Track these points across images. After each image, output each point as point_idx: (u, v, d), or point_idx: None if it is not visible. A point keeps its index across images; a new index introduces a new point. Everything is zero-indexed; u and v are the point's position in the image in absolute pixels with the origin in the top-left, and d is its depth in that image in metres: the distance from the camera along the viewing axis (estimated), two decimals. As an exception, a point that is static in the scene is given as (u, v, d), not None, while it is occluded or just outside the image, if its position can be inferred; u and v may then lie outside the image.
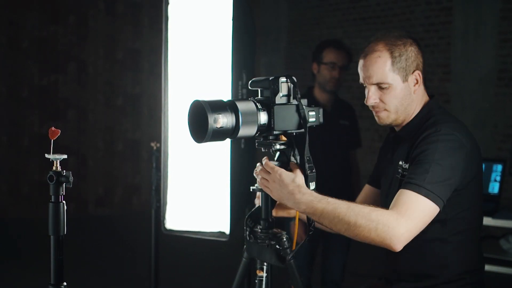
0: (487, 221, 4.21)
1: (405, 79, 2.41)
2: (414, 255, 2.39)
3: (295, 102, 2.24)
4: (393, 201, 2.20)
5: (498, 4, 6.84)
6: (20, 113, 8.81)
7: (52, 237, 1.95)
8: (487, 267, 4.08)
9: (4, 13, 8.67)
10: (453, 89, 7.29)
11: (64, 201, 1.96)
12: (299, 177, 2.19)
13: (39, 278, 5.79)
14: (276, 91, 2.22)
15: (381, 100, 2.44)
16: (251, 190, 2.40)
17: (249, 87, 2.32)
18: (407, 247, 2.18)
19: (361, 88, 2.52)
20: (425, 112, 2.48)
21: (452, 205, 2.31)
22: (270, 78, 2.24)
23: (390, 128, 2.65)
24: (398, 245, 2.10)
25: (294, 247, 2.37)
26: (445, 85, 7.39)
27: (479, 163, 2.43)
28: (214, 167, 3.20)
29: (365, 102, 2.48)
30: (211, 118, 2.03)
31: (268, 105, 2.21)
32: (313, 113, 2.28)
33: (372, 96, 2.44)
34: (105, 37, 9.27)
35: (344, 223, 2.12)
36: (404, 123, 2.50)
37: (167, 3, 3.40)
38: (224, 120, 2.07)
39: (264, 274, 2.38)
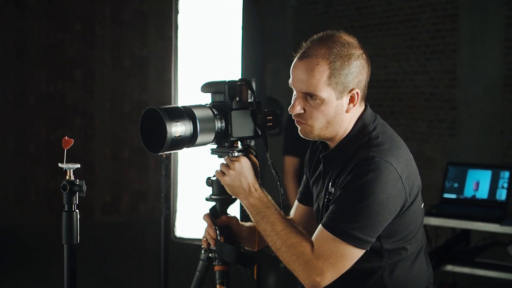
0: (495, 227, 4.23)
1: (340, 97, 2.10)
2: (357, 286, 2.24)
3: (251, 107, 2.18)
4: (314, 237, 2.05)
5: (504, 11, 6.85)
6: (27, 121, 8.82)
7: (65, 246, 1.96)
8: (495, 274, 4.11)
9: (11, 21, 8.70)
10: (459, 95, 7.30)
11: (77, 210, 1.98)
12: (255, 174, 2.18)
13: (48, 286, 5.82)
14: (233, 96, 2.14)
15: (306, 112, 2.12)
16: (205, 199, 2.35)
17: (201, 91, 2.24)
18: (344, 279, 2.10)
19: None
20: (359, 128, 2.18)
21: (387, 236, 2.12)
22: (226, 81, 2.17)
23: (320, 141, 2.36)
24: None
25: (256, 248, 2.37)
26: (451, 92, 7.39)
27: (417, 185, 2.16)
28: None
29: (288, 109, 2.16)
30: (170, 127, 1.94)
31: (224, 110, 2.13)
32: (271, 117, 2.23)
33: (298, 106, 2.12)
34: (111, 45, 9.29)
35: (271, 240, 2.08)
36: (336, 142, 2.20)
37: (177, 12, 3.41)
38: (182, 129, 1.98)
39: None
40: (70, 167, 1.96)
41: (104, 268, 6.64)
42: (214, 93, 2.20)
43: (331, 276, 2.00)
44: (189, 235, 3.28)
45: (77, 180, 1.96)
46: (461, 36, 7.28)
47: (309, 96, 2.10)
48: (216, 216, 2.36)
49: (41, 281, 6.05)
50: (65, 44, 8.99)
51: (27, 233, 8.27)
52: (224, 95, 2.16)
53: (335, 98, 2.10)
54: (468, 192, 4.56)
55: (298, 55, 2.15)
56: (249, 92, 2.19)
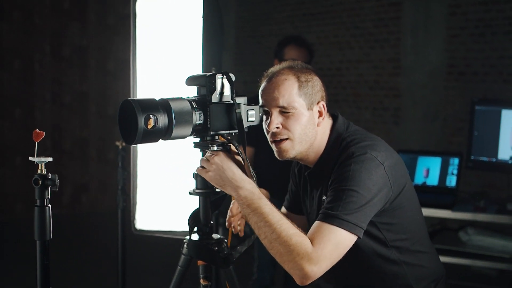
0: (446, 214, 4.28)
1: (310, 107, 2.27)
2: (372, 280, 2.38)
3: (230, 101, 2.17)
4: (309, 232, 2.09)
5: (446, 0, 6.95)
6: (-36, 112, 8.62)
7: (38, 242, 1.92)
8: (447, 259, 4.16)
9: None
10: (403, 83, 7.38)
11: (50, 205, 1.93)
12: (239, 165, 2.18)
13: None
14: (213, 89, 2.13)
15: (284, 127, 2.27)
16: (188, 193, 2.31)
17: (185, 84, 2.23)
18: (359, 270, 2.31)
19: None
20: (334, 138, 2.35)
21: (387, 228, 2.27)
22: (207, 75, 2.16)
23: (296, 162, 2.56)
24: (304, 281, 2.03)
25: (229, 244, 2.35)
26: (395, 80, 7.47)
27: (403, 175, 2.32)
28: (183, 165, 3.17)
29: (266, 128, 2.30)
30: (140, 119, 1.93)
31: (204, 104, 2.12)
32: (253, 112, 2.22)
33: (275, 121, 2.26)
34: (51, 34, 9.10)
35: (268, 230, 2.06)
36: (316, 159, 2.35)
37: (135, 1, 3.34)
38: (155, 120, 1.97)
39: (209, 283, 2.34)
40: (42, 161, 1.91)
41: (56, 263, 6.51)
42: (199, 87, 2.19)
43: (326, 266, 2.03)
44: (149, 227, 3.24)
45: (50, 174, 1.91)
46: (404, 24, 7.35)
47: (283, 110, 2.25)
48: (197, 219, 2.32)
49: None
50: (3, 33, 8.77)
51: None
52: (206, 88, 2.15)
53: (306, 109, 2.27)
54: (419, 179, 4.61)
55: (264, 81, 2.33)
56: (230, 85, 2.18)
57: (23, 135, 8.73)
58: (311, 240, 2.03)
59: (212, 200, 2.31)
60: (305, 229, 2.15)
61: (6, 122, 8.72)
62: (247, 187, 2.14)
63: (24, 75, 8.92)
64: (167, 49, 3.26)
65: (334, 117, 2.42)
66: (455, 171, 4.52)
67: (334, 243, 2.03)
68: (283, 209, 2.72)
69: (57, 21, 9.12)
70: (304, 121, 2.26)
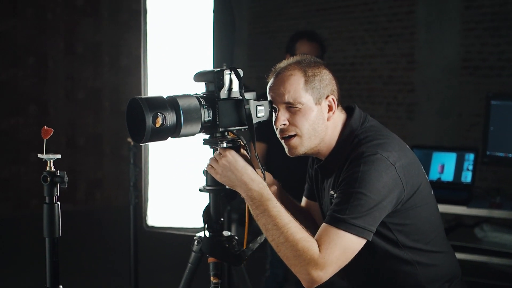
0: (462, 210, 4.24)
1: (318, 102, 2.22)
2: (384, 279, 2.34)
3: (239, 96, 2.15)
4: (317, 234, 2.06)
5: (461, -6, 6.89)
6: (-21, 109, 8.65)
7: (47, 239, 1.91)
8: (463, 256, 4.12)
9: (-41, 7, 8.49)
10: (418, 78, 7.33)
11: (58, 202, 1.92)
12: (249, 164, 2.16)
13: None
14: (221, 85, 2.11)
15: (291, 123, 2.22)
16: (199, 190, 2.30)
17: (193, 81, 2.21)
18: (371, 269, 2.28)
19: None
20: (347, 134, 2.28)
21: (399, 229, 2.22)
22: (215, 71, 2.13)
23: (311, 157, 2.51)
24: (311, 285, 2.01)
25: (245, 245, 2.33)
26: (409, 75, 7.42)
27: (417, 175, 2.25)
28: (195, 162, 3.15)
29: (273, 124, 2.26)
30: (148, 117, 1.92)
31: (212, 100, 2.10)
32: (262, 107, 2.20)
33: (281, 117, 2.22)
34: (64, 31, 9.12)
35: (275, 233, 2.05)
36: (327, 153, 2.30)
37: (146, -3, 3.33)
38: (163, 119, 1.96)
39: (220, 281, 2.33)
40: (50, 158, 1.89)
41: (68, 259, 6.53)
42: (207, 83, 2.17)
43: (333, 270, 2.01)
44: (161, 224, 3.23)
45: (58, 171, 1.89)
46: (418, 19, 7.30)
47: (290, 105, 2.21)
48: (209, 216, 2.31)
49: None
50: (17, 30, 8.79)
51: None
52: (214, 85, 2.12)
53: (314, 104, 2.22)
54: (434, 175, 4.56)
55: (271, 77, 2.29)
56: (238, 81, 2.16)
57: (37, 132, 8.70)
58: (319, 244, 2.01)
59: (226, 192, 2.29)
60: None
61: (21, 118, 8.75)
62: (256, 188, 2.12)
63: (38, 72, 8.95)
64: (178, 45, 3.25)
65: (350, 110, 2.36)
66: (471, 167, 4.47)
67: (342, 248, 2.01)
68: (304, 198, 2.66)
69: (70, 18, 9.14)
70: (312, 116, 2.22)
